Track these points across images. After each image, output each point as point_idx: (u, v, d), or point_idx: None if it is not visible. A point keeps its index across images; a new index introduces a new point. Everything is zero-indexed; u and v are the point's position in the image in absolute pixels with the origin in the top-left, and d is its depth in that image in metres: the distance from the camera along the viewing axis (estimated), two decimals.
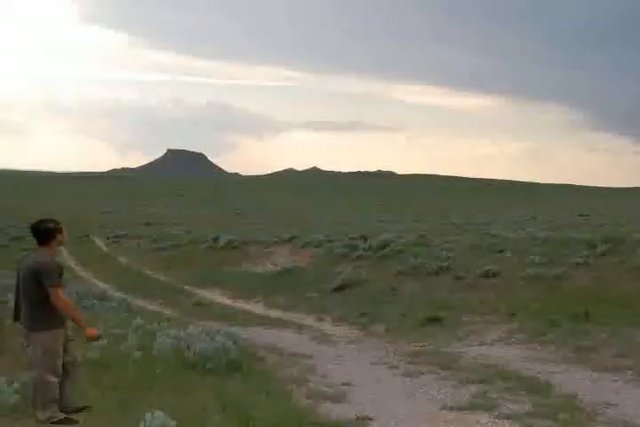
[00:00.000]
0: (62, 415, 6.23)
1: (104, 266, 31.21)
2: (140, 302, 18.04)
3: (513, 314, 13.06)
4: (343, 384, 8.58)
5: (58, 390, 6.26)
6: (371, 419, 6.98)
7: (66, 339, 6.33)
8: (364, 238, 23.51)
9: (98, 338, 6.47)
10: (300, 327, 14.31)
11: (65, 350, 6.32)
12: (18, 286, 6.35)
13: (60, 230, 6.30)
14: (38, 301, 6.12)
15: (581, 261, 15.91)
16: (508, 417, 7.01)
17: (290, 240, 27.18)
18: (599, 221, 35.44)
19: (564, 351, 10.19)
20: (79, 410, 6.45)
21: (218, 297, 20.21)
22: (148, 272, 25.79)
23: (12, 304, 13.98)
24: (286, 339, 12.59)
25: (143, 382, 7.38)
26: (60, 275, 6.19)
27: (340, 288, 18.60)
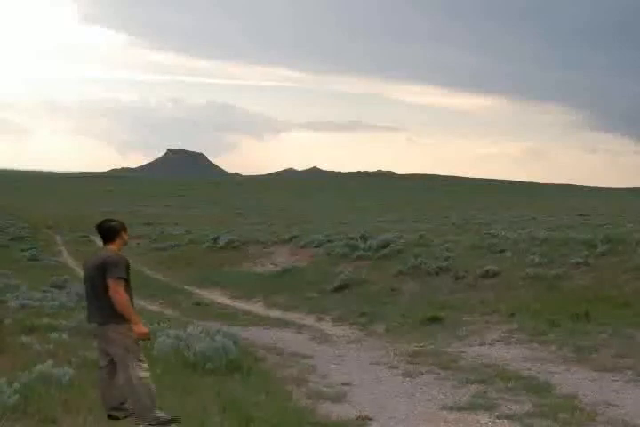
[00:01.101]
0: (166, 416, 6.13)
1: None
2: (139, 302, 18.03)
3: (513, 314, 13.06)
4: (343, 384, 8.58)
5: (154, 386, 6.17)
6: (371, 419, 6.98)
7: None
8: (364, 238, 23.51)
9: (148, 337, 6.35)
10: (299, 327, 14.31)
11: None
12: (86, 288, 6.35)
13: (124, 229, 6.39)
14: (106, 295, 6.10)
15: (581, 261, 15.90)
16: (507, 417, 7.01)
17: (290, 240, 27.18)
18: (599, 221, 35.45)
19: (564, 351, 10.19)
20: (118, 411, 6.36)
21: (218, 297, 20.22)
22: (148, 272, 25.81)
23: (12, 304, 13.95)
24: (286, 339, 12.59)
25: None
26: (127, 269, 6.16)
27: (339, 288, 18.60)
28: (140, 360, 6.17)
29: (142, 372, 6.13)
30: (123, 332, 6.10)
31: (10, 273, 20.87)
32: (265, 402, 7.10)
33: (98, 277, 6.15)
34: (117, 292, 6.05)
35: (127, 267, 6.18)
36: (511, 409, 7.29)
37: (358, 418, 6.99)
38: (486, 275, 16.59)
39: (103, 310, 6.14)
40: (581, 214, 50.35)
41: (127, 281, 6.17)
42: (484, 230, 26.43)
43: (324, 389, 8.30)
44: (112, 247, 6.31)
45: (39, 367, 7.21)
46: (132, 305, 6.20)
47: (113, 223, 6.40)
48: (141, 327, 6.12)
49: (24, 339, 9.56)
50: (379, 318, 14.56)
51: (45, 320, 11.19)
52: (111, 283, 6.06)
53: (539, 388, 8.12)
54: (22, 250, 34.97)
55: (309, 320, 15.50)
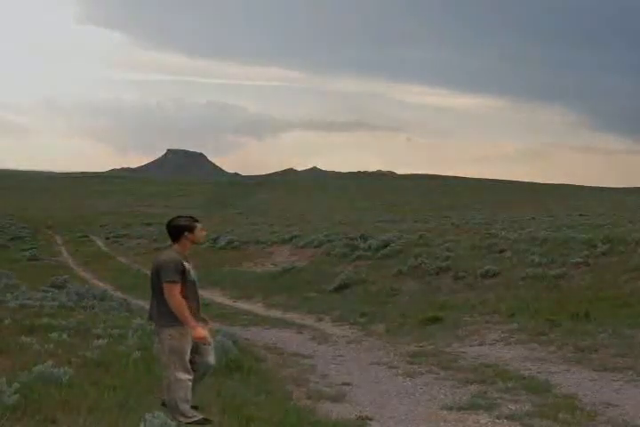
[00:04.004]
0: (199, 416, 6.15)
1: (104, 266, 31.18)
2: (139, 302, 18.03)
3: (513, 314, 13.06)
4: (343, 384, 8.58)
5: (191, 390, 6.18)
6: (371, 419, 6.98)
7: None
8: (364, 238, 23.51)
9: (206, 341, 6.18)
10: (300, 327, 14.30)
11: (196, 351, 6.25)
12: (151, 287, 6.37)
13: (190, 228, 6.20)
14: (163, 297, 6.09)
15: (581, 261, 15.91)
16: (507, 417, 7.01)
17: (290, 240, 27.18)
18: (599, 221, 35.44)
19: (564, 351, 10.18)
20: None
21: (218, 297, 20.22)
22: (148, 272, 25.79)
23: (11, 304, 13.94)
24: (286, 339, 12.59)
25: (143, 383, 7.37)
26: (180, 272, 6.07)
27: (339, 288, 18.60)
28: (184, 363, 6.13)
29: (182, 374, 6.11)
30: (172, 334, 6.06)
31: (10, 273, 20.85)
32: (265, 402, 7.10)
33: (155, 279, 6.16)
34: (171, 296, 5.99)
35: (179, 269, 6.06)
36: (511, 409, 7.29)
37: (358, 418, 6.98)
38: (486, 275, 16.60)
39: (160, 311, 6.13)
40: (581, 214, 50.35)
41: (185, 282, 6.07)
42: (483, 230, 26.45)
43: (324, 389, 8.30)
44: (175, 247, 6.25)
45: (39, 367, 7.21)
46: (197, 307, 6.18)
47: (177, 222, 6.27)
48: (199, 331, 6.03)
49: (24, 339, 9.55)
50: (379, 318, 14.56)
51: (45, 320, 11.18)
52: (164, 287, 6.02)
53: (539, 388, 8.12)
54: (22, 250, 34.95)
55: (309, 320, 15.50)
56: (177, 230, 6.25)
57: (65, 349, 9.18)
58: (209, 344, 6.27)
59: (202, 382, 6.56)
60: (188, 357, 6.18)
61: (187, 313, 6.01)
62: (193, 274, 6.22)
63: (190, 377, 6.16)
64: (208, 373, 6.54)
